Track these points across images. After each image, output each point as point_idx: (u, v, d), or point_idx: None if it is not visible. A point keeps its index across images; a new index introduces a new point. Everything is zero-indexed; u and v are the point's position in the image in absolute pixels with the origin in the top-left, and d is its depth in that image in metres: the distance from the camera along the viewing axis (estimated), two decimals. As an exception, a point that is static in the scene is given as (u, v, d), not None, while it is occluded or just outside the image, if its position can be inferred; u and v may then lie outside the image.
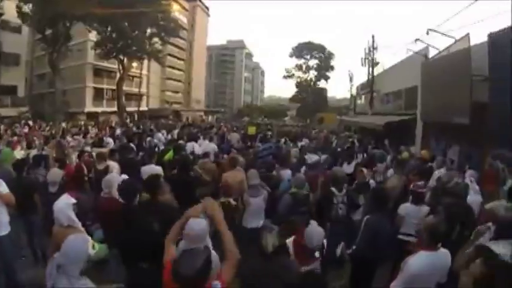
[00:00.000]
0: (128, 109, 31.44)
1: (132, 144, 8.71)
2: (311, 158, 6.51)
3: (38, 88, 30.94)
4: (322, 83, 53.35)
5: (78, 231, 2.77)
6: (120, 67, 28.24)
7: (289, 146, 10.23)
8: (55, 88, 24.14)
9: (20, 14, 21.66)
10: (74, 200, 3.13)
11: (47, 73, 27.93)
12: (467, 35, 8.01)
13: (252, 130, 16.56)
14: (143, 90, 40.47)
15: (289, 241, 2.94)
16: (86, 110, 31.36)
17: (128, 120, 27.36)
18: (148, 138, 11.16)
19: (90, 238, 2.27)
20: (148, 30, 28.40)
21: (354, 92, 26.78)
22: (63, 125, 19.24)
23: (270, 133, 15.91)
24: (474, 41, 7.95)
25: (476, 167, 6.64)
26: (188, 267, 1.78)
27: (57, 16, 21.59)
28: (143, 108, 39.36)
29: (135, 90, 35.29)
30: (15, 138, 9.95)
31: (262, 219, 4.35)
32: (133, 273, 2.56)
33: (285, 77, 53.80)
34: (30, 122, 20.66)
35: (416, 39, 11.10)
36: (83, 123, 22.54)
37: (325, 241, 2.95)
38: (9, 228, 3.73)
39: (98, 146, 8.76)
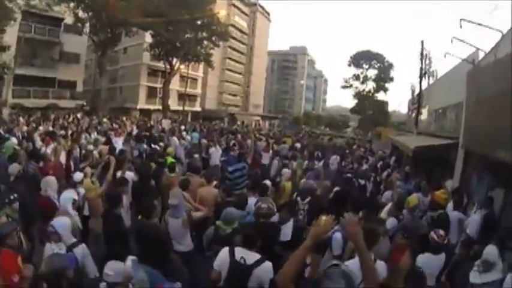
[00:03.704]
0: (180, 108, 32.40)
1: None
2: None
3: (99, 84, 33.56)
4: (381, 95, 48.97)
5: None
6: (168, 68, 28.98)
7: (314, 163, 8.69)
8: (100, 86, 25.84)
9: (77, 19, 23.79)
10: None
11: (108, 71, 30.19)
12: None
13: (287, 141, 15.24)
14: (198, 91, 41.54)
15: None
16: (139, 106, 32.95)
17: (180, 120, 28.08)
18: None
19: None
20: (204, 34, 28.92)
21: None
22: (105, 120, 20.28)
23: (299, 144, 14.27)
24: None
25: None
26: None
27: (104, 24, 23.49)
28: (197, 108, 40.41)
29: (190, 90, 36.18)
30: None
31: (186, 244, 3.94)
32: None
33: (343, 87, 50.39)
34: (79, 115, 22.31)
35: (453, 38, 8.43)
36: (125, 118, 23.79)
37: None
38: None
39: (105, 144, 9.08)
